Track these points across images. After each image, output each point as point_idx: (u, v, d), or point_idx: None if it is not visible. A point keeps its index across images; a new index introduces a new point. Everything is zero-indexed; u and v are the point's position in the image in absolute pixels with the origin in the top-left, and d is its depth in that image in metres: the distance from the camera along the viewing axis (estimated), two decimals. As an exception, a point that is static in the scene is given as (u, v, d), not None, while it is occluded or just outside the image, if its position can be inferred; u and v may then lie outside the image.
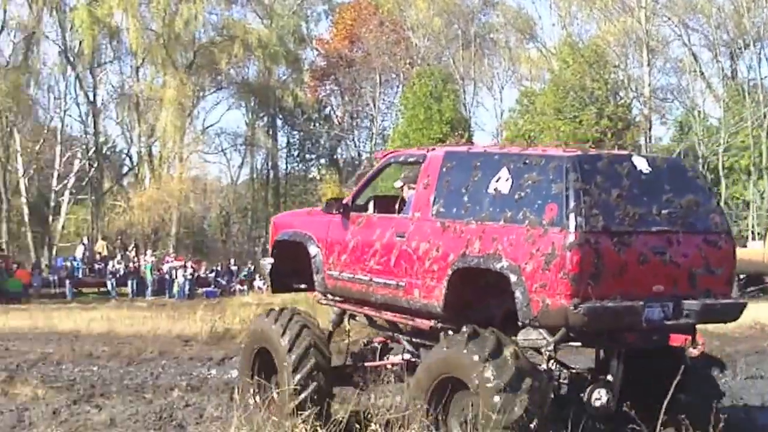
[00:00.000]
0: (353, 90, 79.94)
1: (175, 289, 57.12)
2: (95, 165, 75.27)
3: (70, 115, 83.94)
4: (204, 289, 57.25)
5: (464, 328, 10.92)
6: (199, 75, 76.39)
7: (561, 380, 11.73)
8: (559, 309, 10.19)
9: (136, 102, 73.71)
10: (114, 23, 71.04)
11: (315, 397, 12.63)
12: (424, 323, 12.10)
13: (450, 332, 11.54)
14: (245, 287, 58.07)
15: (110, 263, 60.35)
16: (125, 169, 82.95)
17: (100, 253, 62.77)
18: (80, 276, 61.11)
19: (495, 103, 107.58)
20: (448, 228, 11.49)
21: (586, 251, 10.17)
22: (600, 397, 10.98)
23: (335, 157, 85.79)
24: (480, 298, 11.58)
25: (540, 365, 10.79)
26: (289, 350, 12.80)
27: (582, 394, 11.09)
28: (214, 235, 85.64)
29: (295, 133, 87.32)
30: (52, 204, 74.36)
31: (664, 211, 10.78)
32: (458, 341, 10.84)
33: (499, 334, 10.67)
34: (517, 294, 10.49)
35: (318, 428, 11.88)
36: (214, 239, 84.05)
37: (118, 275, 58.28)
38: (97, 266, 61.55)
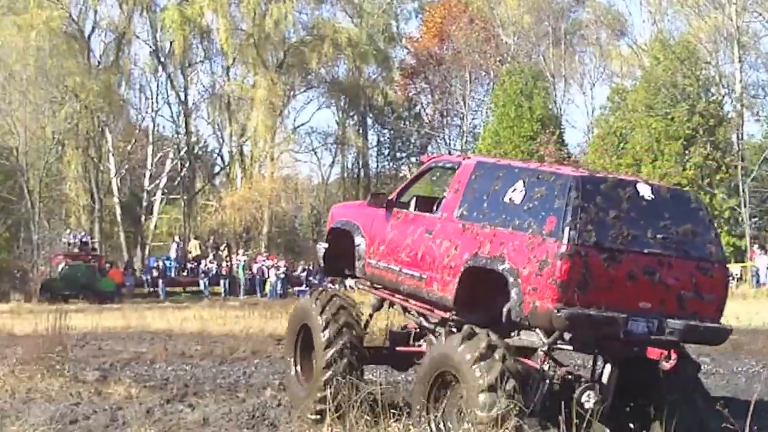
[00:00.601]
0: (443, 88, 79.60)
1: (268, 288, 57.33)
2: (187, 165, 75.80)
3: (162, 115, 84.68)
4: (296, 288, 57.28)
5: (464, 328, 12.16)
6: (290, 74, 76.54)
7: (554, 380, 12.41)
8: (545, 312, 11.32)
9: (227, 102, 74.08)
10: (204, 23, 71.49)
11: (344, 372, 13.65)
12: (442, 315, 13.39)
13: (454, 329, 12.80)
14: (337, 286, 58.03)
15: (203, 263, 60.75)
16: (217, 169, 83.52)
17: (191, 253, 63.16)
18: (173, 275, 61.59)
19: (585, 100, 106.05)
20: (467, 230, 12.83)
21: (576, 262, 11.31)
22: (589, 398, 11.91)
23: (426, 155, 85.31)
24: (488, 296, 12.51)
25: (536, 365, 12.03)
26: (324, 327, 13.91)
27: (573, 395, 11.95)
28: (305, 234, 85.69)
29: (386, 131, 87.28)
30: (145, 204, 75.02)
31: (659, 236, 11.82)
32: (456, 339, 12.04)
33: (492, 337, 11.79)
34: (513, 294, 11.72)
35: (410, 427, 12.12)
36: (305, 238, 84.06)
37: (210, 274, 58.66)
38: (189, 266, 61.99)
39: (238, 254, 62.21)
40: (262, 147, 73.04)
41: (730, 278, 13.53)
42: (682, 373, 12.26)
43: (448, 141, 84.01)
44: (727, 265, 12.91)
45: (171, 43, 71.83)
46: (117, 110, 71.61)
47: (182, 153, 76.21)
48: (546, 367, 12.03)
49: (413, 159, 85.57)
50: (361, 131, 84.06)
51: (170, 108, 77.93)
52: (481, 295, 12.60)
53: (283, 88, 73.74)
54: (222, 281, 57.84)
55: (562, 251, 11.31)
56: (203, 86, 78.13)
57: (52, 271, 56.65)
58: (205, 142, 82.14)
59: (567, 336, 12.02)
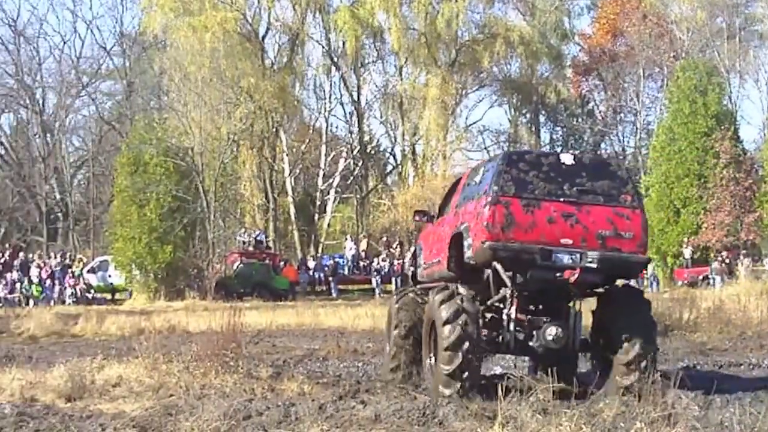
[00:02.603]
0: (616, 84, 78.74)
1: (440, 286, 57.12)
2: (360, 164, 76.33)
3: (335, 115, 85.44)
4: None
5: (443, 286, 16.02)
6: (462, 73, 76.46)
7: (520, 325, 15.93)
8: (478, 248, 15.32)
9: (400, 101, 74.29)
10: (376, 23, 71.86)
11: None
12: None
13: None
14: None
15: (375, 261, 60.93)
16: (389, 168, 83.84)
17: (364, 251, 63.45)
18: (345, 273, 61.94)
19: (761, 96, 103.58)
20: (457, 213, 16.93)
21: (498, 209, 15.19)
22: (551, 333, 15.58)
23: (599, 152, 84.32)
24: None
25: (507, 312, 15.73)
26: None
27: (538, 331, 15.72)
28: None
29: (558, 129, 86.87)
30: (318, 203, 75.77)
31: (575, 189, 15.44)
32: (437, 294, 15.76)
33: (460, 289, 15.57)
34: (465, 244, 15.81)
35: (582, 426, 12.55)
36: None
37: (382, 272, 58.77)
38: (362, 264, 62.25)
39: (410, 252, 62.22)
40: (434, 145, 73.04)
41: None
42: (630, 298, 16.18)
43: (621, 138, 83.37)
44: (644, 211, 16.10)
45: (344, 43, 72.27)
46: (291, 111, 72.45)
47: (355, 152, 76.79)
48: (513, 311, 15.65)
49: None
50: (533, 129, 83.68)
51: (343, 108, 78.82)
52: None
53: (455, 87, 73.71)
54: (394, 279, 57.89)
55: (487, 200, 15.31)
56: (376, 86, 78.56)
57: (227, 270, 57.48)
58: (377, 141, 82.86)
59: (507, 280, 15.37)
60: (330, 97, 77.17)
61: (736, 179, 56.39)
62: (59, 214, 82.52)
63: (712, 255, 55.82)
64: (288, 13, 72.62)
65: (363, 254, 63.56)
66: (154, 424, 13.97)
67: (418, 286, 18.84)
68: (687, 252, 57.29)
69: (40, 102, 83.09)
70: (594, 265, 15.15)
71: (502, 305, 15.98)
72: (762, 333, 26.68)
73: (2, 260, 56.64)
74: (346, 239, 67.04)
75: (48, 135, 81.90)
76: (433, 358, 16.17)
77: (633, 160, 76.79)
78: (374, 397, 16.24)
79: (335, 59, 74.61)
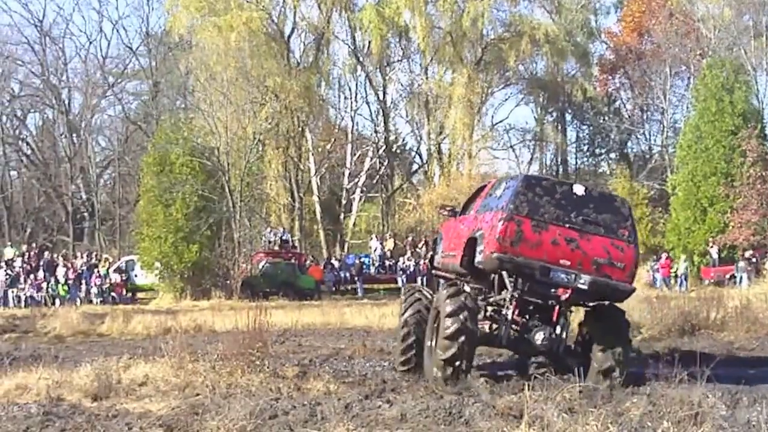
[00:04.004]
0: (643, 83, 78.38)
1: (465, 285, 57.05)
2: (386, 163, 76.43)
3: (361, 114, 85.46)
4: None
5: (451, 283, 19.02)
6: (487, 72, 76.39)
7: (515, 325, 18.27)
8: (488, 257, 17.47)
9: (426, 100, 74.36)
10: (402, 22, 71.76)
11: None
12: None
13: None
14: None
15: (400, 260, 60.93)
16: (415, 167, 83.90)
17: (390, 250, 63.44)
18: (371, 273, 61.96)
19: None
20: (477, 218, 19.02)
21: (510, 225, 17.31)
22: (539, 337, 17.87)
23: (625, 151, 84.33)
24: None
25: (504, 312, 18.12)
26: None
27: (528, 335, 18.08)
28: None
29: (585, 127, 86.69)
30: (344, 202, 75.83)
31: (581, 218, 17.57)
32: (444, 288, 18.33)
33: (467, 287, 18.50)
34: (478, 249, 18.00)
35: (609, 425, 12.70)
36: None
37: (408, 272, 58.73)
38: (387, 263, 62.25)
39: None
40: (460, 144, 73.00)
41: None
42: (610, 315, 18.25)
43: (648, 136, 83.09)
44: (638, 247, 18.17)
45: (369, 42, 72.36)
46: (317, 110, 72.59)
47: (381, 151, 76.86)
48: (510, 313, 17.97)
49: (613, 155, 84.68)
50: (559, 127, 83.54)
51: (369, 107, 78.94)
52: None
53: (481, 86, 73.66)
54: (419, 278, 57.80)
55: (502, 216, 17.44)
56: (401, 85, 78.54)
57: (253, 269, 57.52)
58: (403, 140, 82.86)
59: (509, 286, 17.72)
60: (356, 96, 77.44)
61: (763, 178, 56.12)
62: (85, 214, 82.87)
63: (738, 254, 55.58)
64: (313, 12, 72.89)
65: (388, 253, 63.54)
66: (181, 423, 14.03)
67: (433, 272, 22.19)
68: (714, 251, 57.07)
69: (66, 102, 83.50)
70: (585, 287, 17.38)
71: (502, 304, 18.36)
72: (790, 332, 26.54)
73: (29, 260, 56.85)
74: (372, 238, 67.10)
75: (74, 135, 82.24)
76: (433, 342, 18.29)
77: (660, 158, 76.55)
78: (400, 396, 16.29)
79: (361, 58, 74.70)
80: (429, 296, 20.11)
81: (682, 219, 59.52)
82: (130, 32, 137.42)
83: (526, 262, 17.30)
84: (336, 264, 63.36)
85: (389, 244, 64.95)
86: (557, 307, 18.07)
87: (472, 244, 18.37)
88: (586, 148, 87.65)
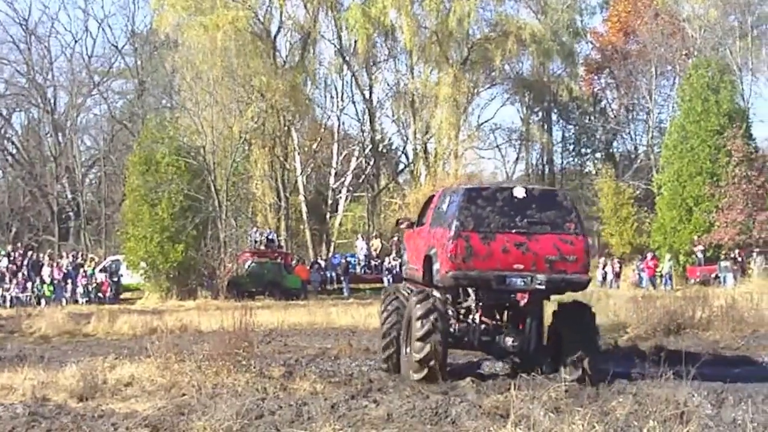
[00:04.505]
0: (629, 82, 78.50)
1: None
2: (372, 162, 76.40)
3: (347, 114, 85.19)
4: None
5: (420, 289, 19.48)
6: (473, 71, 76.38)
7: (486, 327, 19.02)
8: (443, 275, 18.24)
9: (412, 99, 74.29)
10: (388, 22, 71.64)
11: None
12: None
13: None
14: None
15: (386, 260, 60.93)
16: (401, 167, 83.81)
17: (376, 250, 63.43)
18: (357, 272, 61.96)
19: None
20: (430, 233, 19.79)
21: (459, 242, 18.00)
22: (508, 341, 18.69)
23: (611, 151, 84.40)
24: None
25: (472, 316, 18.97)
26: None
27: (498, 338, 18.90)
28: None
29: (571, 127, 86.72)
30: (330, 201, 75.79)
31: (525, 221, 18.17)
32: (414, 295, 18.94)
33: (435, 292, 18.70)
34: (434, 268, 18.76)
35: (595, 424, 12.68)
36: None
37: (394, 271, 58.72)
38: (373, 263, 62.26)
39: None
40: (446, 144, 72.90)
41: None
42: (578, 313, 18.85)
43: (633, 136, 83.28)
44: (586, 236, 18.96)
45: (355, 42, 72.24)
46: (303, 109, 72.39)
47: (367, 151, 76.85)
48: (477, 318, 18.89)
49: (598, 155, 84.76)
50: (545, 127, 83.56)
51: (355, 106, 78.77)
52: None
53: (467, 85, 73.51)
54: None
55: (450, 235, 18.13)
56: (387, 84, 78.36)
57: (238, 269, 57.50)
58: (389, 140, 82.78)
59: (473, 296, 18.79)
60: (342, 96, 77.34)
61: (749, 177, 56.31)
62: (71, 214, 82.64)
63: (722, 254, 55.75)
64: (300, 11, 72.69)
65: (374, 253, 63.52)
66: (167, 423, 14.04)
67: (404, 283, 22.55)
68: (699, 250, 57.20)
69: (52, 101, 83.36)
70: (542, 287, 18.13)
71: (470, 310, 19.17)
72: (774, 331, 26.62)
73: (14, 260, 56.69)
74: (358, 238, 67.05)
75: (59, 134, 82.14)
76: (408, 348, 18.75)
77: (645, 158, 76.66)
78: (387, 396, 16.27)
79: (347, 58, 74.62)
80: (407, 298, 20.17)
81: (668, 218, 59.66)
82: (115, 31, 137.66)
83: (480, 275, 18.08)
84: (322, 264, 63.37)
85: (375, 244, 64.91)
86: (525, 308, 18.79)
87: (429, 261, 19.22)
88: (571, 147, 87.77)
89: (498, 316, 19.36)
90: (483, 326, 19.08)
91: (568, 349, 18.20)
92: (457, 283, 18.41)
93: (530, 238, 18.11)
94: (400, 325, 19.81)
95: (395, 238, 66.20)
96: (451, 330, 18.88)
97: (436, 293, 18.71)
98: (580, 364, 17.84)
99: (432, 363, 17.96)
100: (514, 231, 18.10)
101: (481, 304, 18.91)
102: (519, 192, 18.52)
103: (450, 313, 19.03)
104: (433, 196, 21.53)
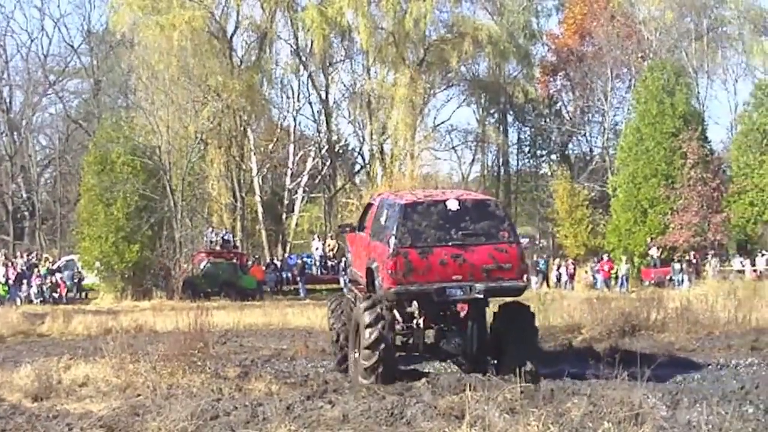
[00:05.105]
0: (584, 84, 78.75)
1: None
2: (328, 163, 76.31)
3: (303, 114, 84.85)
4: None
5: (366, 296, 19.52)
6: (430, 72, 76.44)
7: (430, 331, 20.02)
8: (385, 290, 18.71)
9: (368, 100, 74.27)
10: (345, 22, 71.58)
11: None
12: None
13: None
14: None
15: (342, 260, 60.83)
16: (357, 167, 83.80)
17: (332, 250, 63.32)
18: (313, 273, 61.86)
19: (728, 96, 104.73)
20: (370, 244, 20.27)
21: (398, 259, 18.49)
22: (451, 343, 19.58)
23: (566, 152, 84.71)
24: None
25: (416, 321, 19.75)
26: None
27: (442, 341, 19.73)
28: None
29: (526, 129, 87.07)
30: (286, 202, 75.66)
31: (461, 233, 18.74)
32: (362, 302, 19.24)
33: (381, 301, 18.87)
34: (377, 282, 19.17)
35: (550, 425, 12.80)
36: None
37: (350, 272, 58.57)
38: (329, 263, 62.16)
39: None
40: (403, 145, 72.92)
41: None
42: (517, 315, 19.54)
43: (589, 138, 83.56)
44: (519, 243, 19.52)
45: (312, 42, 72.09)
46: (259, 109, 72.28)
47: (323, 151, 76.80)
48: (421, 323, 19.72)
49: (554, 156, 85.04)
50: (501, 129, 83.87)
51: (311, 107, 78.61)
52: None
53: (423, 86, 73.60)
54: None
55: (389, 253, 18.63)
56: (344, 85, 78.37)
57: (194, 269, 57.24)
58: (346, 140, 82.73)
59: (415, 304, 19.59)
60: (298, 96, 77.09)
61: (704, 179, 56.70)
62: (26, 213, 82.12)
63: (677, 256, 56.08)
64: (256, 11, 72.49)
65: (330, 254, 63.42)
66: (121, 423, 14.01)
67: (348, 284, 24.31)
68: (654, 252, 57.55)
69: (7, 100, 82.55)
70: (480, 295, 18.84)
71: (413, 316, 19.94)
72: (729, 333, 26.73)
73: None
74: (314, 239, 66.96)
75: (15, 133, 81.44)
76: (357, 353, 19.25)
77: (600, 160, 77.00)
78: (342, 397, 16.32)
79: (303, 58, 74.47)
80: (353, 304, 20.97)
81: (623, 220, 60.01)
82: (71, 30, 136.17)
83: (421, 289, 18.68)
84: (278, 264, 63.21)
85: (331, 245, 64.78)
86: (465, 313, 19.99)
87: (371, 273, 19.72)
88: (527, 149, 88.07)
89: (440, 321, 20.05)
90: (426, 331, 20.00)
91: (508, 348, 19.00)
92: (399, 297, 19.01)
93: (466, 250, 18.77)
94: (346, 329, 20.81)
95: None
96: (397, 335, 19.79)
97: (382, 301, 19.08)
98: (522, 365, 18.03)
99: (381, 369, 18.58)
100: (450, 244, 18.74)
101: (423, 311, 19.71)
102: (453, 204, 19.12)
103: (395, 318, 19.65)
104: (372, 203, 22.15)
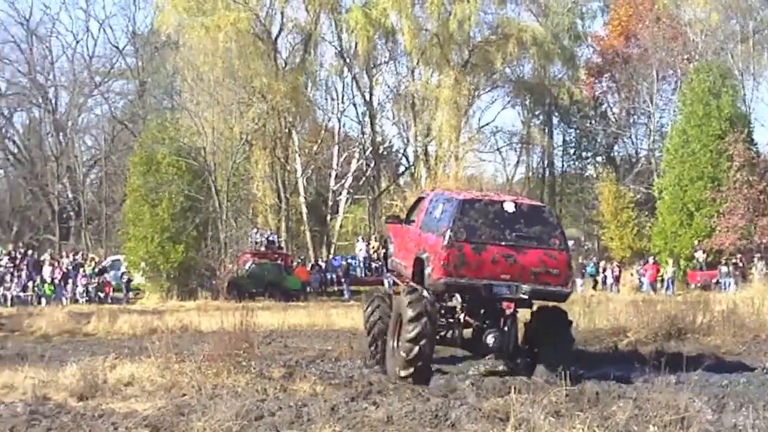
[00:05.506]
0: (630, 86, 78.26)
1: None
2: (372, 164, 76.29)
3: (347, 116, 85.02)
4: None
5: (410, 287, 20.29)
6: (474, 74, 76.19)
7: (469, 327, 20.42)
8: (435, 281, 19.46)
9: (412, 102, 74.16)
10: (389, 24, 71.52)
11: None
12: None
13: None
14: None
15: (382, 252, 60.82)
16: (402, 169, 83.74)
17: (377, 251, 63.29)
18: (357, 274, 61.88)
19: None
20: (421, 236, 21.08)
21: (452, 252, 19.17)
22: (490, 339, 19.85)
23: (612, 154, 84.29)
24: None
25: (457, 315, 20.36)
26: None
27: (481, 335, 20.06)
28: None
29: (571, 130, 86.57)
30: (330, 203, 75.66)
31: (514, 234, 19.43)
32: (405, 293, 19.92)
33: (424, 293, 19.59)
34: (426, 271, 19.84)
35: (595, 429, 12.76)
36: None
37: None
38: (373, 264, 62.15)
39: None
40: (447, 147, 72.80)
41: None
42: (554, 319, 20.08)
43: (634, 140, 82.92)
44: (569, 251, 20.14)
45: (356, 44, 72.15)
46: (304, 111, 72.35)
47: (367, 153, 76.75)
48: (462, 317, 20.27)
49: (599, 158, 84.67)
50: (546, 130, 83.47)
51: (356, 108, 78.53)
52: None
53: (467, 88, 73.42)
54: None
55: (443, 244, 19.31)
56: (388, 86, 78.30)
57: (239, 270, 57.40)
58: (390, 142, 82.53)
59: (459, 298, 20.20)
60: (342, 98, 77.12)
61: (750, 182, 56.27)
62: (72, 213, 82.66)
63: (723, 259, 55.66)
64: (301, 13, 72.56)
65: (374, 255, 63.40)
66: (166, 423, 14.02)
67: (388, 274, 26.26)
68: (700, 255, 57.16)
69: (53, 101, 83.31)
70: (526, 297, 19.55)
71: (455, 310, 20.53)
72: (776, 336, 26.56)
73: (15, 259, 56.63)
74: (358, 240, 66.95)
75: (60, 134, 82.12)
76: (396, 343, 19.85)
77: (646, 162, 76.59)
78: (386, 398, 16.27)
79: (348, 60, 74.52)
80: (389, 299, 22.33)
81: (669, 223, 59.61)
82: (116, 31, 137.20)
83: (470, 283, 19.39)
84: (322, 265, 63.27)
85: (375, 246, 64.72)
86: (510, 312, 20.43)
87: (419, 264, 20.42)
88: (572, 151, 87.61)
89: (481, 317, 20.43)
90: (467, 325, 20.54)
91: (544, 350, 19.72)
92: (448, 289, 19.72)
93: (518, 251, 19.46)
94: (383, 323, 21.72)
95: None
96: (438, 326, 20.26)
97: (426, 293, 19.72)
98: (554, 367, 18.69)
99: (419, 363, 19.22)
100: (503, 243, 19.44)
101: (465, 305, 20.33)
102: (509, 206, 19.85)
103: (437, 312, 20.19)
104: (423, 197, 23.25)
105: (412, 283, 20.98)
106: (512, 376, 18.88)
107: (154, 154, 57.53)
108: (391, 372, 19.84)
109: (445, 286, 19.54)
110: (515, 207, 19.95)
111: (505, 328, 20.34)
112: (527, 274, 19.41)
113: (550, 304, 20.45)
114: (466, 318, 20.45)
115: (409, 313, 19.22)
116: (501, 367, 21.22)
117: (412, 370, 19.20)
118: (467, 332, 20.76)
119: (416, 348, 19.06)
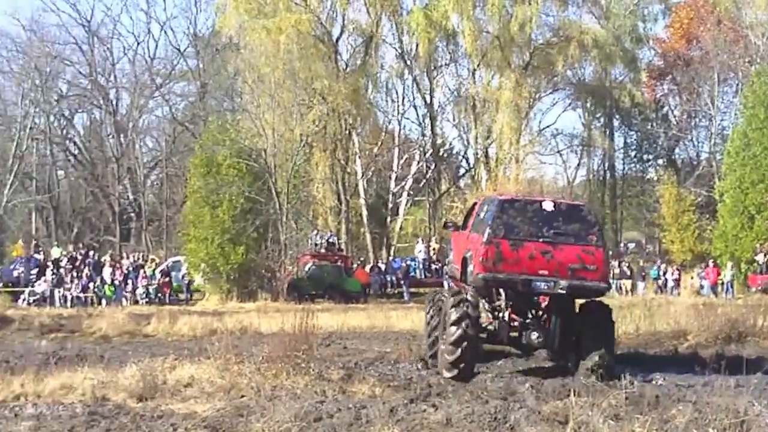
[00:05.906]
0: (691, 89, 77.83)
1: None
2: (432, 167, 76.21)
3: (408, 118, 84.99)
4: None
5: (454, 290, 21.64)
6: (535, 76, 75.93)
7: (512, 325, 21.28)
8: (475, 276, 20.38)
9: (473, 104, 73.94)
10: (450, 26, 71.46)
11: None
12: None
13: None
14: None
15: (446, 260, 60.70)
16: (462, 171, 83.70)
17: (436, 253, 63.24)
18: (417, 276, 61.83)
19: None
20: (470, 237, 21.88)
21: (490, 248, 20.22)
22: (534, 337, 20.90)
23: (673, 157, 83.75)
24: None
25: (502, 314, 21.31)
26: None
27: (525, 333, 21.01)
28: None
29: (633, 133, 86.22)
30: (390, 205, 75.74)
31: (552, 231, 20.37)
32: (450, 296, 20.82)
33: (469, 296, 20.46)
34: (469, 269, 20.82)
35: (653, 430, 12.93)
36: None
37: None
38: (433, 266, 62.07)
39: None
40: (508, 149, 72.56)
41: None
42: (597, 314, 20.79)
43: (696, 143, 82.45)
44: (606, 248, 21.20)
45: (417, 45, 72.15)
46: (364, 113, 72.37)
47: (428, 155, 76.69)
48: (507, 316, 21.24)
49: (660, 161, 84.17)
50: (607, 133, 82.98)
51: (416, 110, 78.62)
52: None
53: (528, 90, 73.15)
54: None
55: (482, 241, 20.36)
56: (449, 88, 78.32)
57: (299, 271, 57.59)
58: (450, 144, 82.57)
59: (503, 295, 21.30)
60: (403, 100, 77.27)
61: (811, 185, 55.75)
62: (132, 215, 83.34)
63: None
64: (362, 15, 72.64)
65: (434, 257, 63.34)
66: (225, 424, 14.12)
67: (447, 279, 27.03)
68: (761, 258, 56.63)
69: (114, 102, 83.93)
70: (563, 291, 20.28)
71: (499, 309, 21.55)
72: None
73: (76, 260, 57.09)
74: (418, 242, 66.93)
75: (121, 135, 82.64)
76: (444, 346, 20.65)
77: (707, 165, 76.01)
78: (445, 400, 16.30)
79: (408, 62, 74.52)
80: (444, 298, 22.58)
81: (730, 226, 59.08)
82: (177, 33, 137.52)
83: (508, 278, 20.39)
84: (382, 267, 63.26)
85: (435, 248, 64.65)
86: (550, 308, 21.49)
87: (465, 262, 21.47)
88: (633, 153, 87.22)
89: (525, 315, 21.48)
90: (512, 323, 21.41)
91: (586, 349, 20.32)
92: (486, 284, 20.65)
93: (555, 247, 20.39)
94: (438, 321, 22.25)
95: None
96: (483, 326, 21.24)
97: (469, 296, 20.68)
98: (596, 365, 19.72)
99: (462, 365, 20.14)
100: (540, 240, 20.41)
101: (510, 303, 21.35)
102: (548, 205, 20.95)
103: (484, 310, 21.47)
104: (476, 202, 24.04)
105: (454, 286, 22.56)
106: (573, 379, 18.71)
107: (214, 156, 57.79)
108: (440, 372, 20.76)
109: (484, 281, 20.40)
110: (554, 206, 20.97)
111: (550, 326, 21.27)
112: (565, 270, 20.21)
113: (595, 300, 21.13)
114: (512, 316, 21.34)
115: (451, 316, 20.16)
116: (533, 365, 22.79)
117: (456, 371, 20.07)
118: (514, 330, 21.51)
119: (458, 350, 20.01)
